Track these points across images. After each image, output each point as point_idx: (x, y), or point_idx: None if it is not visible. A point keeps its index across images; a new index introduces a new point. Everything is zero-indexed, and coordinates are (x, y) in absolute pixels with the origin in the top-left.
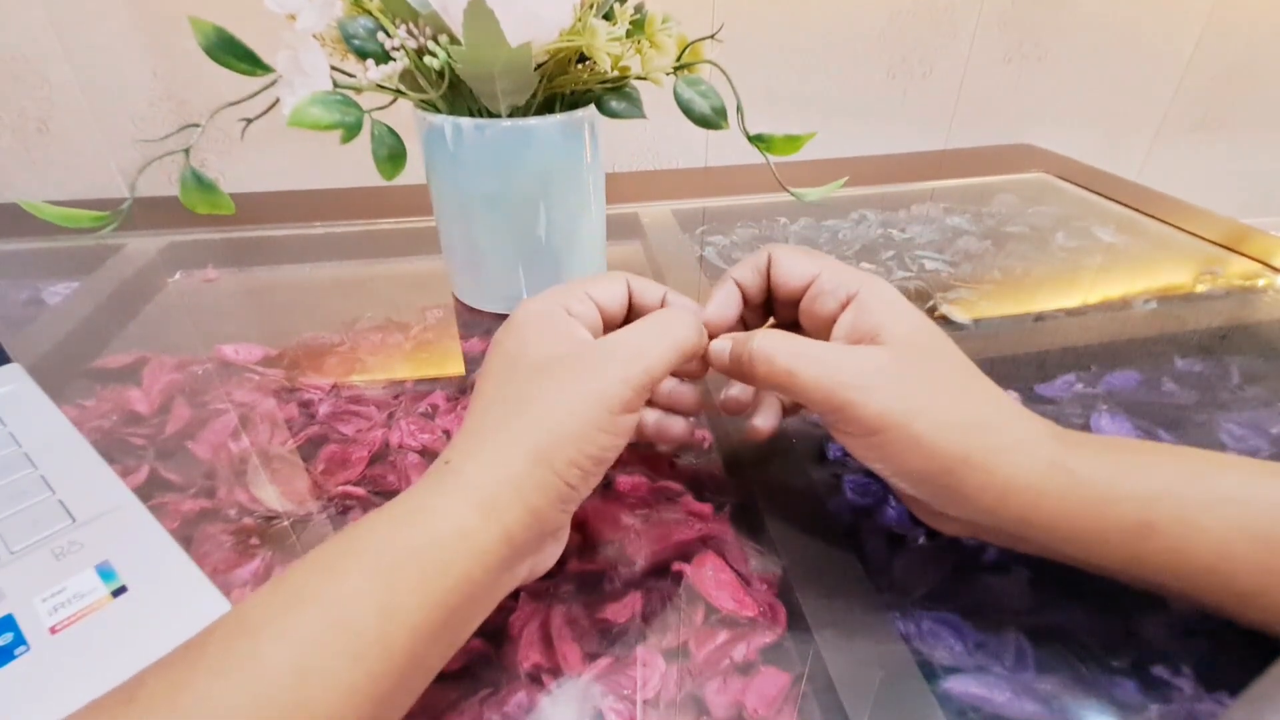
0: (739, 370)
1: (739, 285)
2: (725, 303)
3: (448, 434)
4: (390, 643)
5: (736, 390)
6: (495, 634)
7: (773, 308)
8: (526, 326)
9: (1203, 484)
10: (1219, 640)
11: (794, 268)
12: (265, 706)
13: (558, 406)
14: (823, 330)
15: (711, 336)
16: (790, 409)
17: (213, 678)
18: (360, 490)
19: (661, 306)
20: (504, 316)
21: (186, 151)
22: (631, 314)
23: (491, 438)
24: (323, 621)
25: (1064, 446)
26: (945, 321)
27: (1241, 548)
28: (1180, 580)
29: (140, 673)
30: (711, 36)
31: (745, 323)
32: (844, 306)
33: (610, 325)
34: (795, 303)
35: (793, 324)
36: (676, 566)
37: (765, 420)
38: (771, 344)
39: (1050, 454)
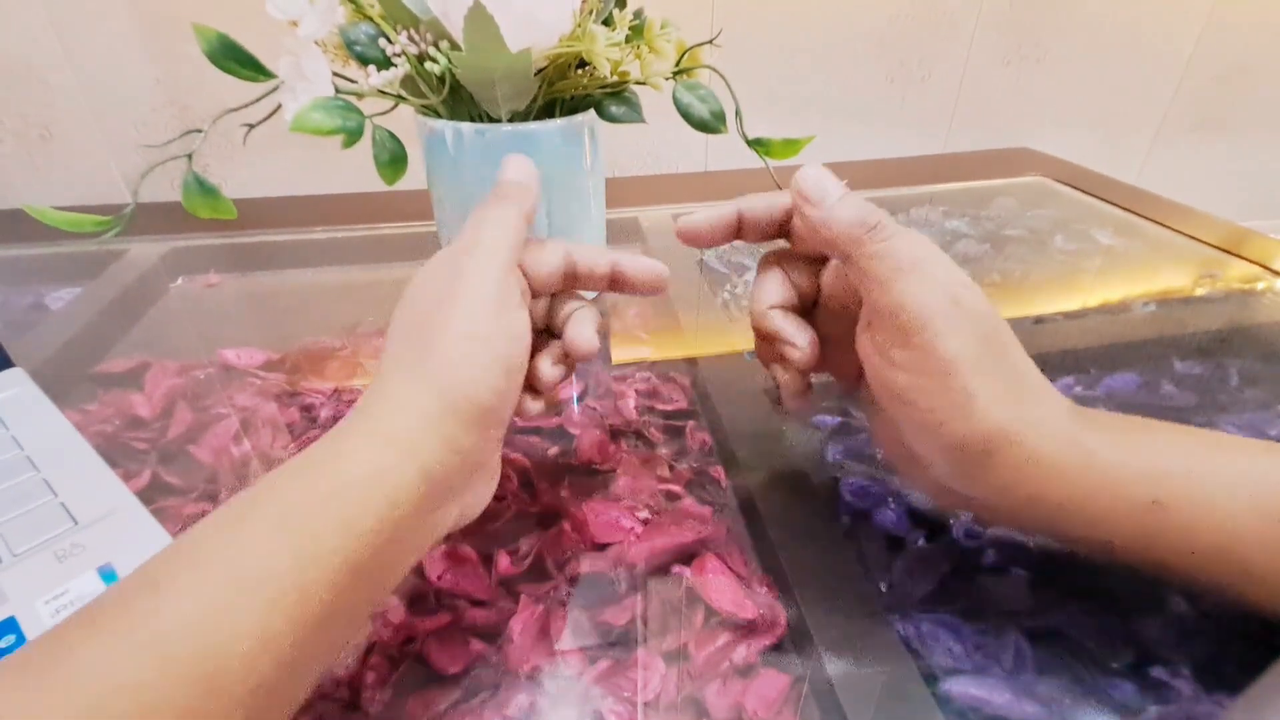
0: (840, 236)
1: (741, 214)
2: (711, 219)
3: None
4: (308, 590)
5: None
6: (495, 635)
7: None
8: (424, 272)
9: (1215, 463)
10: (1219, 640)
11: (844, 214)
12: (170, 661)
13: (449, 331)
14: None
15: (691, 239)
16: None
17: (111, 638)
18: None
19: (610, 273)
20: None
21: (189, 157)
22: (578, 283)
23: (395, 377)
24: (232, 573)
25: (1081, 422)
26: None
27: (1253, 527)
28: (1190, 560)
29: (32, 640)
30: (710, 41)
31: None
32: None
33: (540, 292)
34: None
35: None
36: (676, 568)
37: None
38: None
39: (1070, 431)
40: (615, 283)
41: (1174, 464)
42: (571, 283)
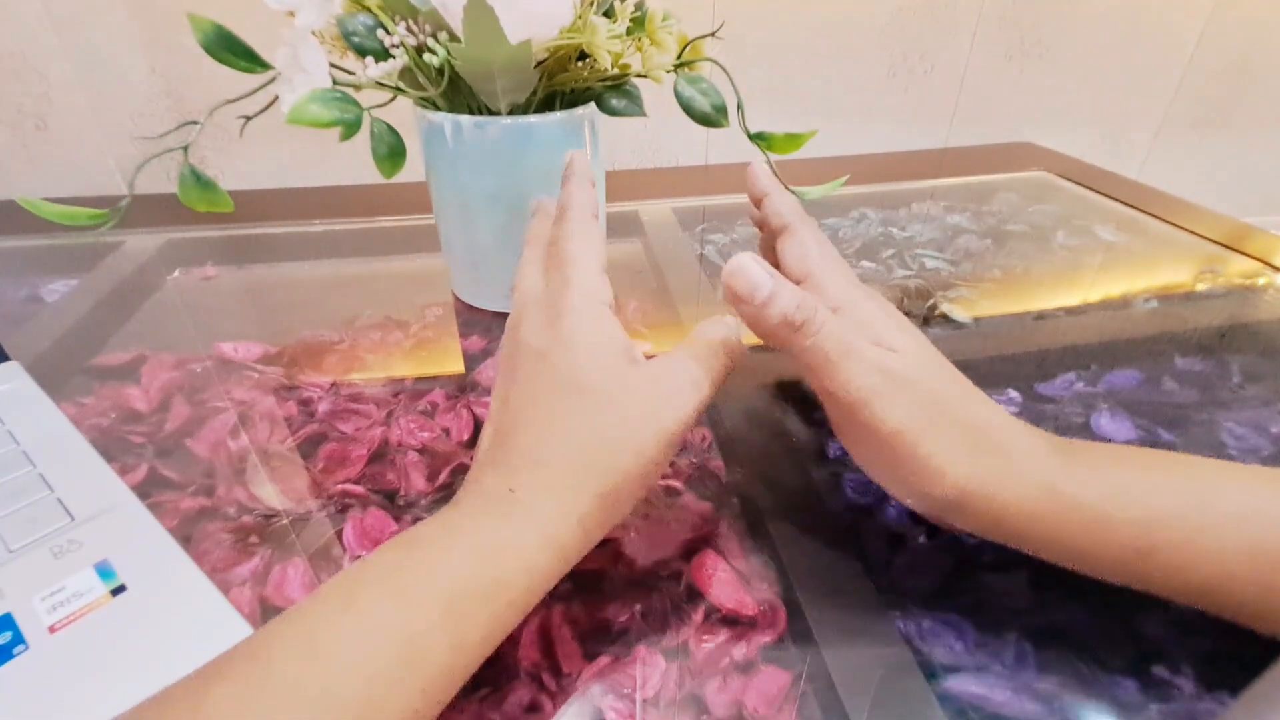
0: (781, 334)
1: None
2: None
3: (447, 432)
4: (455, 674)
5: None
6: None
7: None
8: (577, 340)
9: (1203, 504)
10: (1219, 640)
11: (789, 263)
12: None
13: (625, 448)
14: None
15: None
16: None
17: (282, 701)
18: (360, 488)
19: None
20: (504, 315)
21: (185, 149)
22: None
23: (561, 474)
24: (396, 656)
25: (1062, 466)
26: (945, 320)
27: (1245, 569)
28: (1182, 597)
29: (169, 690)
30: (712, 34)
31: None
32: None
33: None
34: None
35: None
36: (676, 565)
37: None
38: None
39: (1047, 477)
40: None
41: (1163, 507)
42: None
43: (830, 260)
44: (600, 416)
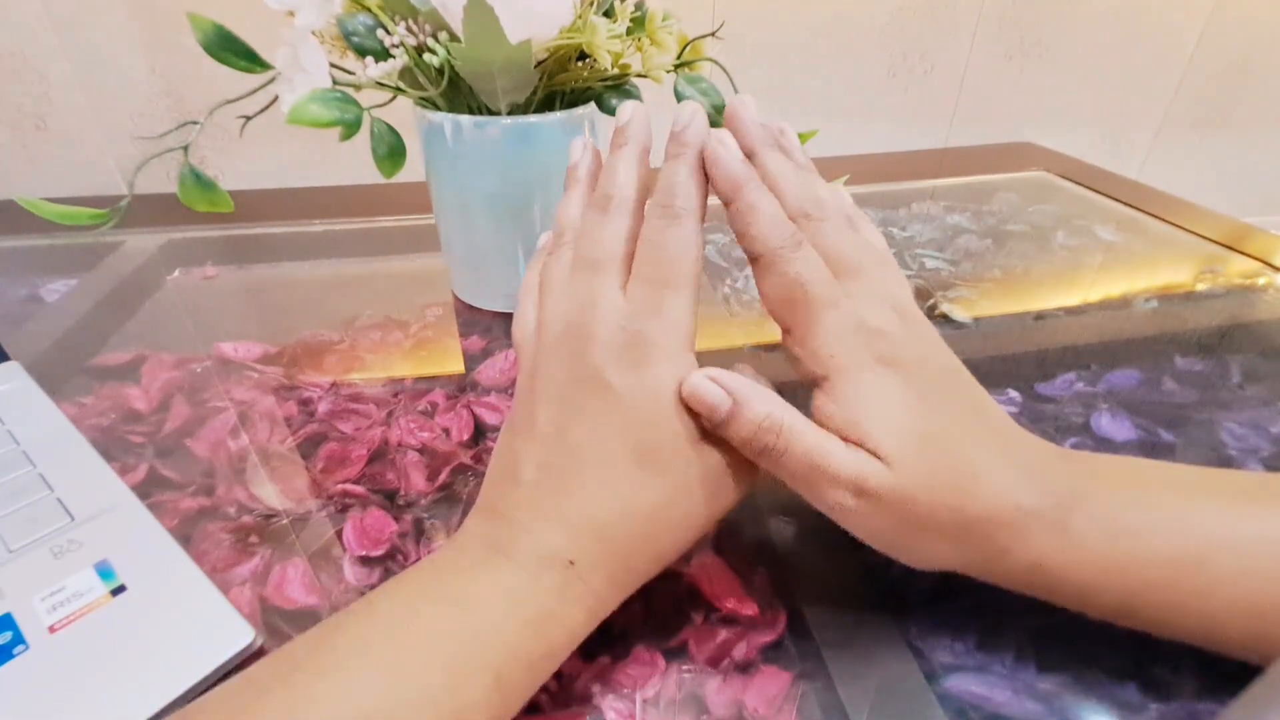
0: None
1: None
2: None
3: (447, 432)
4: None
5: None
6: None
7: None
8: (664, 398)
9: (1200, 564)
10: None
11: (773, 309)
12: None
13: (683, 535)
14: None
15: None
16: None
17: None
18: (359, 488)
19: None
20: (504, 315)
21: (185, 149)
22: None
23: (622, 555)
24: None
25: (1053, 539)
26: (946, 320)
27: (1236, 625)
28: (1176, 636)
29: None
30: (712, 34)
31: None
32: (819, 381)
33: None
34: None
35: None
36: (676, 565)
37: None
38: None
39: (1035, 556)
40: None
41: (1155, 578)
42: None
43: (819, 305)
44: (672, 504)
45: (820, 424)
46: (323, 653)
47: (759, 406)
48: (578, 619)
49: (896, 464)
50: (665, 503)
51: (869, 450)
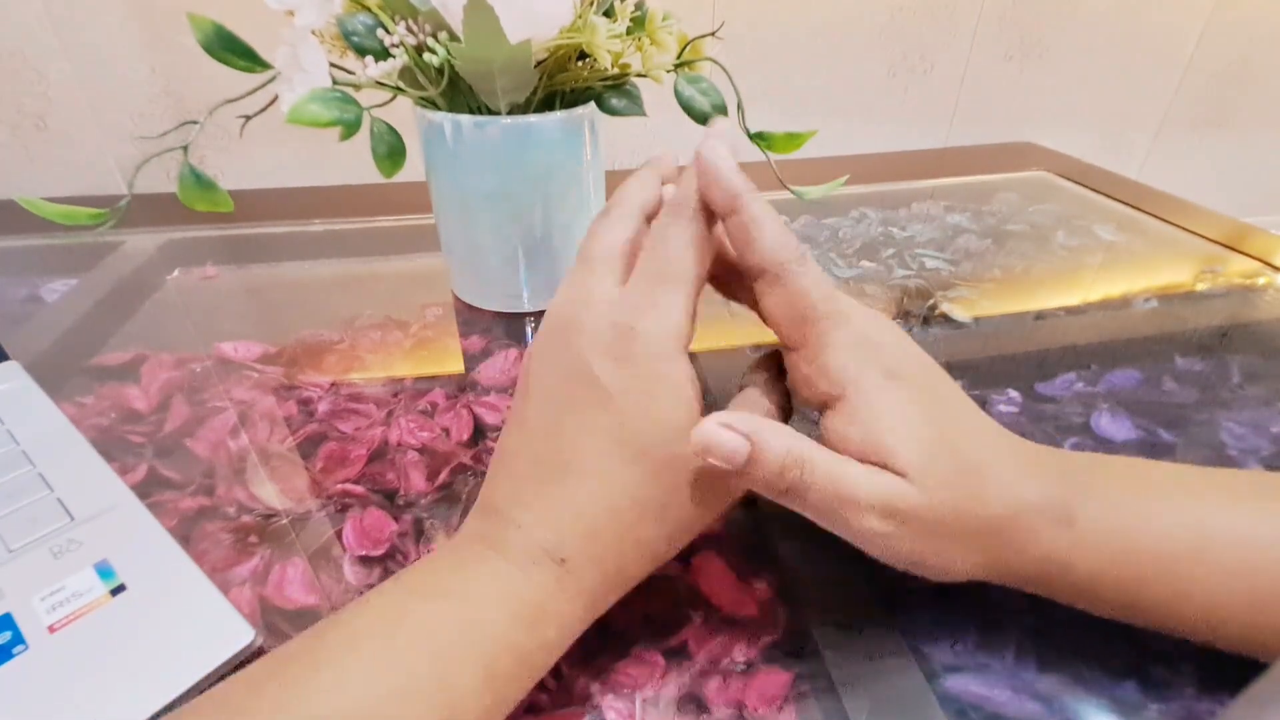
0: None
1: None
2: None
3: (447, 432)
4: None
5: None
6: None
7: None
8: (656, 394)
9: (1198, 553)
10: None
11: (781, 325)
12: None
13: (678, 534)
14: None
15: None
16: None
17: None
18: (359, 488)
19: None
20: (504, 315)
21: (185, 148)
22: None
23: (614, 551)
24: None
25: (1065, 537)
26: (946, 320)
27: (1236, 618)
28: (1177, 630)
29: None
30: (712, 34)
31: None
32: (831, 402)
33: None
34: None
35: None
36: (676, 565)
37: None
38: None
39: (1045, 551)
40: None
41: (1154, 575)
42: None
43: (831, 320)
44: (664, 504)
45: (833, 447)
46: (315, 648)
47: (777, 444)
48: (571, 615)
49: (919, 480)
50: (657, 502)
51: (893, 470)
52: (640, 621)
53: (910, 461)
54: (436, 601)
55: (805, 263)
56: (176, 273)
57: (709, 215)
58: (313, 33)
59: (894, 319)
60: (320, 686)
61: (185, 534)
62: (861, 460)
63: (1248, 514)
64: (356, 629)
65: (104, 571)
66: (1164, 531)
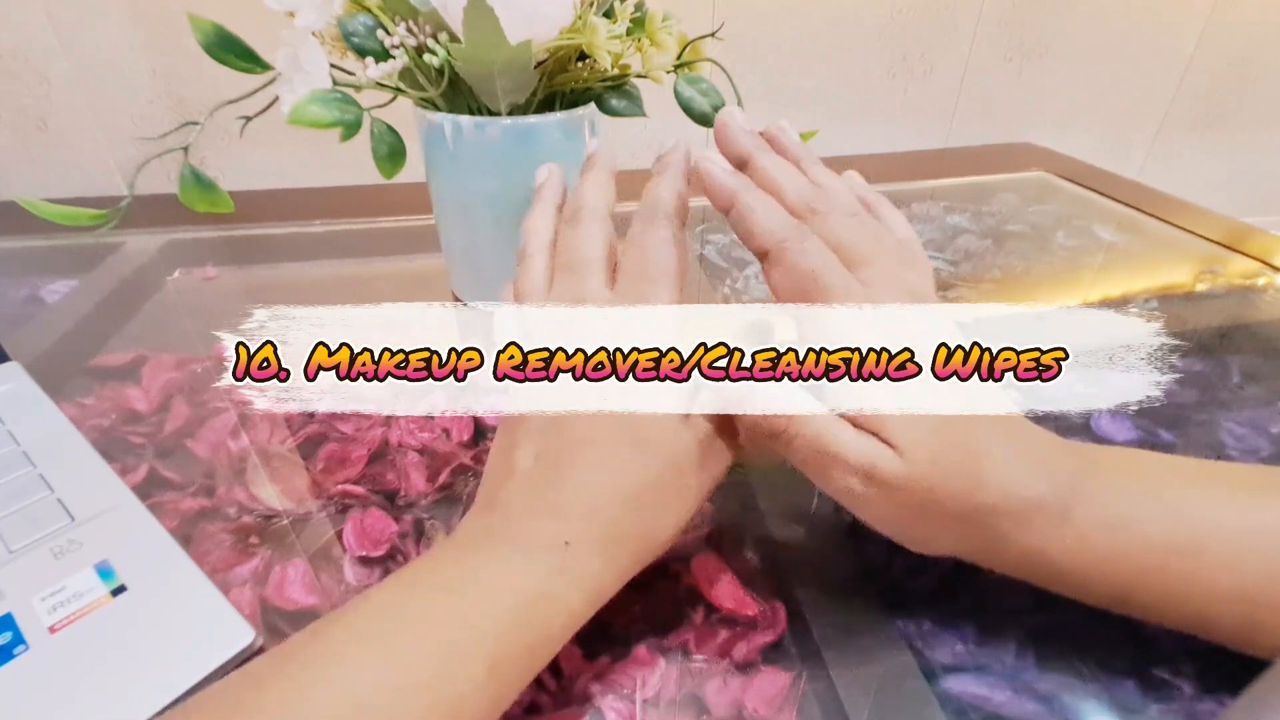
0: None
1: None
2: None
3: (447, 432)
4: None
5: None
6: None
7: None
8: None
9: (1199, 547)
10: None
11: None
12: None
13: (678, 511)
14: None
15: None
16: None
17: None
18: (360, 489)
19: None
20: None
21: (185, 149)
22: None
23: (616, 533)
24: (440, 714)
25: (1055, 529)
26: None
27: (1229, 611)
28: (1171, 624)
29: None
30: (712, 34)
31: None
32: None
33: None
34: None
35: None
36: (676, 565)
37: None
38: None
39: (1035, 543)
40: None
41: (1148, 567)
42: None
43: (831, 295)
44: (664, 480)
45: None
46: (317, 644)
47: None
48: (575, 601)
49: (907, 452)
50: (657, 480)
51: (883, 439)
52: (640, 621)
53: (900, 434)
54: (438, 594)
55: (806, 240)
56: (177, 273)
57: (681, 218)
58: (313, 34)
59: None
60: (322, 682)
61: (186, 535)
62: (854, 425)
63: (1242, 509)
64: (359, 624)
65: (104, 572)
66: (1158, 530)
